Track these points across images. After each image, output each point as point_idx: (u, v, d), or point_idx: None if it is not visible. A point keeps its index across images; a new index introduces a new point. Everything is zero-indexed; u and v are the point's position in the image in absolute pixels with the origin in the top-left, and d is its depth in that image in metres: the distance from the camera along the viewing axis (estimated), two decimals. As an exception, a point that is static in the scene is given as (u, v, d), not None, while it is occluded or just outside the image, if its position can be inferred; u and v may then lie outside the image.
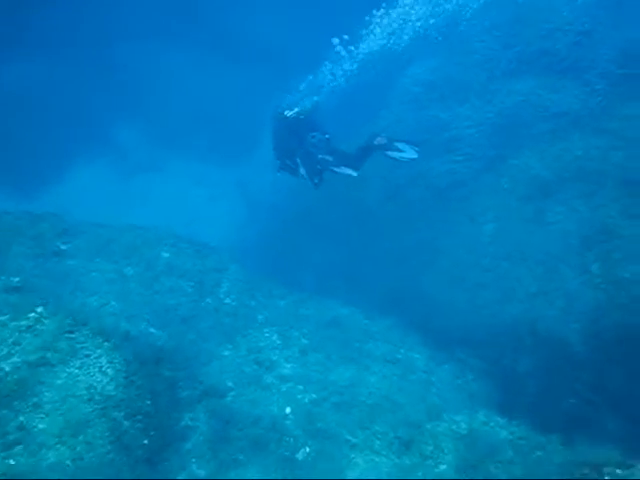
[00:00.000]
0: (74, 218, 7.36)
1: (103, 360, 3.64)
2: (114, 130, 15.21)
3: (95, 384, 3.50)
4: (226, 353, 5.17)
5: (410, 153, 6.54)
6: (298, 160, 6.48)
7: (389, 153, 6.55)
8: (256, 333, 5.68)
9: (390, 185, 9.73)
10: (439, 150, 9.17)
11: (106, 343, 3.78)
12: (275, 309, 7.23)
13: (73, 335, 3.72)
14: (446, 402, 5.37)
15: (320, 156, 6.29)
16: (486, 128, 8.71)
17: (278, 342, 5.55)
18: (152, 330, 5.07)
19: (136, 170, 14.71)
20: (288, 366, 5.17)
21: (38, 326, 3.75)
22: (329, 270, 10.59)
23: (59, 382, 3.42)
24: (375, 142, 6.47)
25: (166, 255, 7.28)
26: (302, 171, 6.52)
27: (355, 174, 6.38)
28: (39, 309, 3.89)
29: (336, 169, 6.39)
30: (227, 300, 7.13)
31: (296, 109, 6.60)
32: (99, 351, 3.68)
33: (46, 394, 3.32)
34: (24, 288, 5.11)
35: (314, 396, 4.88)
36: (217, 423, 4.36)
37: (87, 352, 3.65)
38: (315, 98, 7.08)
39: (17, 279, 5.08)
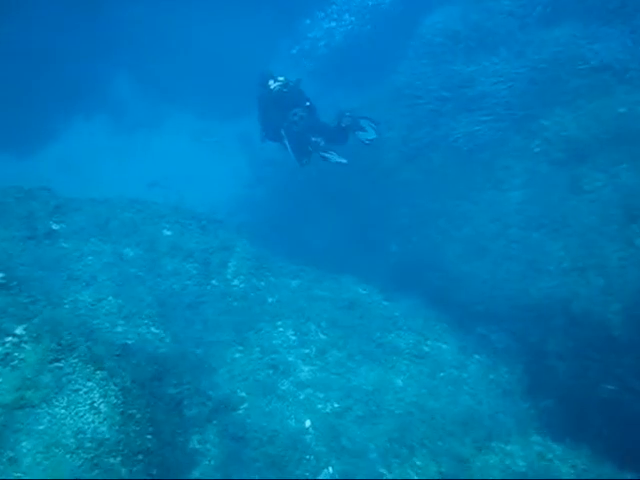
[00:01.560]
0: (68, 193, 6.69)
1: (95, 394, 3.06)
2: (111, 84, 14.29)
3: (85, 427, 2.94)
4: (237, 355, 4.61)
5: (371, 133, 6.40)
6: (282, 132, 6.29)
7: (358, 134, 6.38)
8: (269, 328, 5.10)
9: (409, 147, 8.96)
10: (462, 109, 8.35)
11: (99, 372, 3.19)
12: (287, 290, 6.67)
13: (60, 364, 3.13)
14: (480, 404, 4.85)
15: (313, 139, 6.09)
16: (516, 84, 7.83)
17: (293, 338, 4.98)
18: (154, 330, 4.49)
19: (134, 127, 13.89)
20: (306, 369, 4.61)
21: (17, 354, 3.16)
22: (343, 239, 9.99)
23: (41, 428, 2.85)
24: (343, 124, 6.26)
25: (168, 233, 6.65)
26: (286, 143, 6.36)
27: (345, 161, 6.12)
28: (18, 330, 3.28)
29: (326, 155, 6.14)
30: (235, 282, 6.56)
31: (281, 79, 6.39)
32: (90, 384, 3.10)
33: (25, 445, 2.76)
34: (9, 285, 4.50)
35: (336, 405, 4.35)
36: (229, 443, 3.84)
37: (76, 386, 3.07)
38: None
39: (2, 275, 4.46)
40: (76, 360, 3.16)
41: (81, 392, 3.03)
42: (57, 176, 12.45)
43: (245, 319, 6.00)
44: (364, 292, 7.00)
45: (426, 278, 8.67)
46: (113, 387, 3.13)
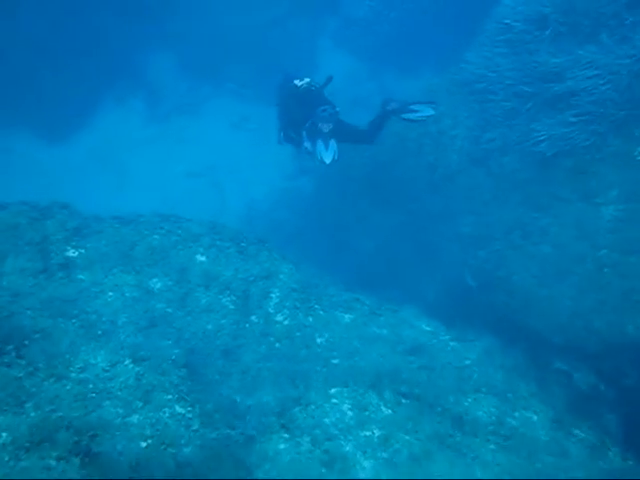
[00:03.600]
0: (89, 211, 5.77)
1: None
2: (146, 65, 13.29)
3: None
4: (282, 446, 3.61)
5: (427, 111, 5.84)
6: (304, 133, 5.79)
7: (404, 116, 5.83)
8: (320, 399, 4.07)
9: (477, 149, 7.68)
10: (547, 108, 6.98)
11: None
12: (338, 328, 5.64)
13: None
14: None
15: (319, 124, 5.59)
16: (618, 78, 6.40)
17: (350, 414, 3.94)
18: (179, 410, 3.53)
19: (170, 112, 12.91)
20: (368, 466, 3.58)
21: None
22: (397, 246, 8.87)
23: None
24: (388, 108, 5.79)
25: (202, 259, 5.67)
26: (307, 145, 5.82)
27: (327, 162, 5.61)
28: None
29: (317, 145, 5.62)
30: (278, 317, 5.56)
31: (307, 79, 6.02)
32: None
33: None
34: (4, 350, 3.60)
35: (407, 523, 3.33)
36: None
37: None
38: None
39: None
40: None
41: None
42: (89, 164, 11.69)
43: (290, 367, 5.04)
44: (428, 329, 5.92)
45: (496, 300, 7.53)
46: None
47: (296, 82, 6.00)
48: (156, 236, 5.67)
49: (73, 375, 3.61)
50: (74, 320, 4.41)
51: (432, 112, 5.83)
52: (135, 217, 5.86)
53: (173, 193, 11.24)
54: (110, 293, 4.98)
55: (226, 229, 6.17)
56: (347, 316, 5.83)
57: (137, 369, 3.79)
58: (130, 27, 12.18)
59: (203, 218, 6.21)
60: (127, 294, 5.09)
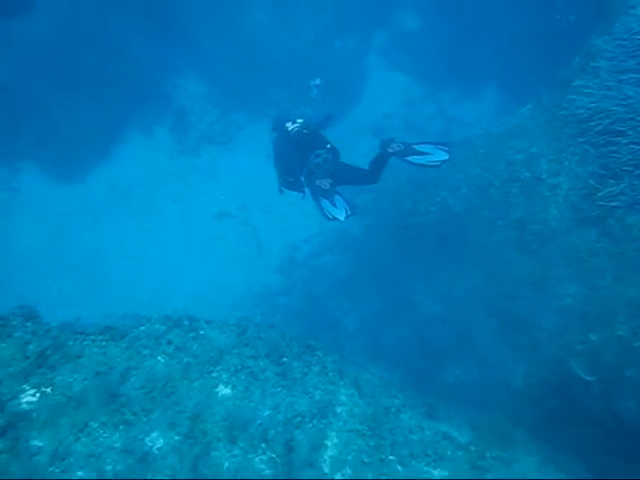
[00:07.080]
0: (69, 321, 3.84)
1: None
2: (172, 88, 11.53)
3: None
4: None
5: (440, 155, 4.98)
6: (303, 179, 5.36)
7: (410, 159, 4.99)
8: None
9: (592, 203, 5.55)
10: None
11: None
12: (427, 495, 3.57)
13: None
14: None
15: (317, 181, 5.04)
16: None
17: None
18: None
19: (199, 142, 11.10)
20: None
21: None
22: (475, 321, 6.78)
23: None
24: (389, 150, 4.97)
25: (226, 393, 3.69)
26: (309, 192, 5.44)
27: (342, 218, 4.96)
28: None
29: (323, 205, 5.02)
30: (337, 478, 3.55)
31: (299, 121, 5.50)
32: None
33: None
34: None
35: None
36: None
37: None
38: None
39: None
40: None
41: None
42: (107, 206, 9.95)
43: None
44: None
45: (619, 406, 5.43)
46: None
47: (287, 125, 5.44)
48: (160, 358, 3.71)
49: None
50: None
51: (447, 156, 4.95)
52: (133, 324, 3.91)
53: (200, 239, 9.37)
54: (79, 472, 3.02)
55: (261, 333, 4.18)
56: (437, 473, 3.75)
57: None
58: (156, 48, 10.42)
59: (228, 319, 4.24)
60: (108, 467, 3.14)
